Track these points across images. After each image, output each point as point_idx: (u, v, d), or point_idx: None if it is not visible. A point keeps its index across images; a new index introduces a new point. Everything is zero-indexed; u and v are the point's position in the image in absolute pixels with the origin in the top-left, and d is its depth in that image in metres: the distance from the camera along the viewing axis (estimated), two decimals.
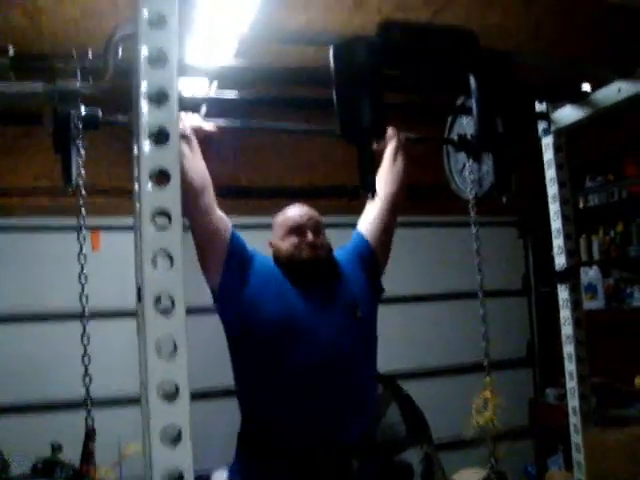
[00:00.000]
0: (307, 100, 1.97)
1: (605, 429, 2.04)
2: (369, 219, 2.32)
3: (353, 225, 4.10)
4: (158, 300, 0.94)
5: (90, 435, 1.71)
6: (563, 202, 2.19)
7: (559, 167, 2.19)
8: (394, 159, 2.34)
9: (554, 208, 2.20)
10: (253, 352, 2.04)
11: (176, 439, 0.93)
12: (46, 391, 3.83)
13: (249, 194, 4.46)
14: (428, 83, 1.76)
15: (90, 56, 1.56)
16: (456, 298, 4.76)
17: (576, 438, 2.16)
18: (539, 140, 2.27)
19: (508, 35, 3.40)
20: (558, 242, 2.21)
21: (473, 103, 1.58)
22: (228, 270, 2.01)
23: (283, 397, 1.98)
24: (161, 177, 0.96)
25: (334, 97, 1.44)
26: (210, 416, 3.77)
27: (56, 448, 2.98)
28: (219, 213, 2.04)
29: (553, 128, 2.17)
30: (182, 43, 2.38)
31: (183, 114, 1.99)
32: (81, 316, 1.77)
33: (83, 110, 1.69)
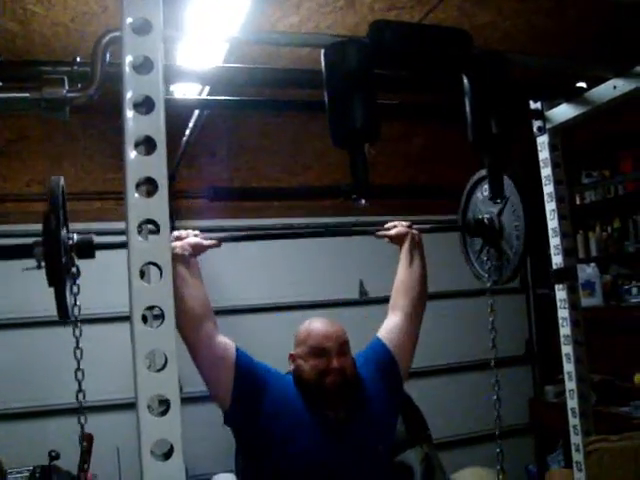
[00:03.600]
0: (300, 103, 1.95)
1: (608, 437, 2.01)
2: (390, 328, 2.15)
3: (348, 225, 4.03)
4: (147, 311, 0.92)
5: (86, 441, 1.69)
6: (559, 200, 2.17)
7: (555, 166, 2.17)
8: (410, 261, 2.17)
9: (550, 207, 2.19)
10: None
11: (168, 453, 0.91)
12: (44, 397, 3.81)
13: (243, 196, 4.44)
14: (421, 83, 1.74)
15: (78, 61, 1.52)
16: (454, 297, 4.76)
17: (575, 439, 2.15)
18: (534, 139, 2.25)
19: (501, 34, 3.39)
20: (555, 242, 2.19)
21: (466, 103, 1.56)
22: (237, 399, 1.87)
23: None
24: (148, 186, 0.94)
25: (325, 100, 1.43)
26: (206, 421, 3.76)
27: (54, 457, 2.96)
28: (221, 338, 1.90)
29: (548, 126, 2.15)
30: (173, 48, 2.36)
31: (183, 232, 1.87)
32: (74, 320, 1.72)
33: (76, 237, 1.57)
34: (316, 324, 2.07)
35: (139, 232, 0.91)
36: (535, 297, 5.26)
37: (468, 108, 1.56)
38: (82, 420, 1.70)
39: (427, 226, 2.27)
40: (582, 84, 2.04)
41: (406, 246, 2.17)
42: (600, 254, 4.77)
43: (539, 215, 2.15)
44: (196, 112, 3.41)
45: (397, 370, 2.10)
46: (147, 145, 0.95)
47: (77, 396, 1.64)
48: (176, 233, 1.82)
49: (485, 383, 4.71)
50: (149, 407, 0.90)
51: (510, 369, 4.95)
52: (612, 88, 1.90)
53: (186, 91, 2.73)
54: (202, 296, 1.88)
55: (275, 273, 4.50)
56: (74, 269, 1.63)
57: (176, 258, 0.93)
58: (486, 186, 2.10)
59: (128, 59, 0.98)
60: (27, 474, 3.00)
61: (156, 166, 0.94)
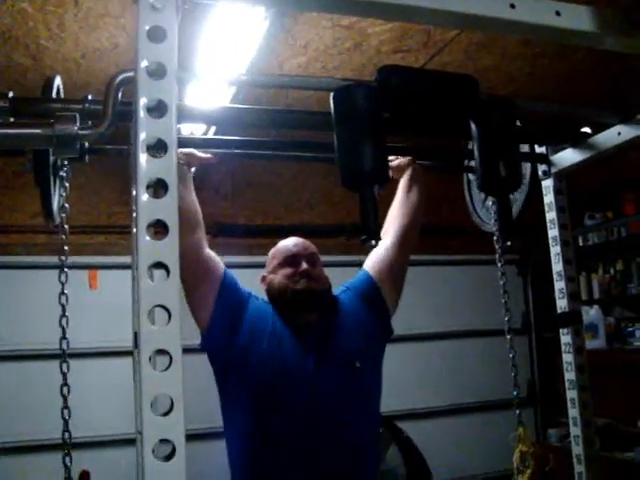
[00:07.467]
0: (306, 143, 1.95)
1: None
2: (378, 256, 2.10)
3: (351, 264, 4.01)
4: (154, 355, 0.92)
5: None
6: (564, 244, 2.17)
7: (560, 210, 2.17)
8: (408, 190, 2.15)
9: (555, 251, 2.18)
10: (243, 405, 1.88)
11: None
12: (38, 432, 3.77)
13: (247, 233, 4.46)
14: (428, 127, 1.75)
15: (90, 99, 1.54)
16: (457, 337, 4.72)
17: None
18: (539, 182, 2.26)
19: (505, 77, 3.43)
20: (559, 285, 2.18)
21: (475, 149, 1.57)
22: (218, 313, 1.86)
23: (277, 454, 1.82)
24: (159, 228, 0.94)
25: (335, 143, 1.44)
26: (204, 457, 3.70)
27: None
28: (210, 252, 1.91)
29: (553, 170, 2.16)
30: (181, 88, 2.38)
31: None
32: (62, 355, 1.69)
33: None
34: (285, 239, 2.11)
35: (149, 275, 0.91)
36: (537, 339, 5.23)
37: (476, 153, 1.56)
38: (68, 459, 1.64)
39: (430, 164, 2.19)
40: (587, 129, 2.05)
41: (406, 176, 2.16)
42: (603, 296, 4.76)
43: None
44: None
45: (382, 299, 2.06)
46: (158, 187, 0.96)
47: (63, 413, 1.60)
48: None
49: (488, 424, 4.68)
50: (153, 452, 0.89)
51: (513, 411, 4.88)
52: (617, 134, 1.91)
53: (192, 129, 2.76)
54: (193, 207, 1.88)
55: None
56: (63, 172, 1.65)
57: None
58: None
59: (142, 101, 0.99)
60: None
61: (167, 209, 0.94)
